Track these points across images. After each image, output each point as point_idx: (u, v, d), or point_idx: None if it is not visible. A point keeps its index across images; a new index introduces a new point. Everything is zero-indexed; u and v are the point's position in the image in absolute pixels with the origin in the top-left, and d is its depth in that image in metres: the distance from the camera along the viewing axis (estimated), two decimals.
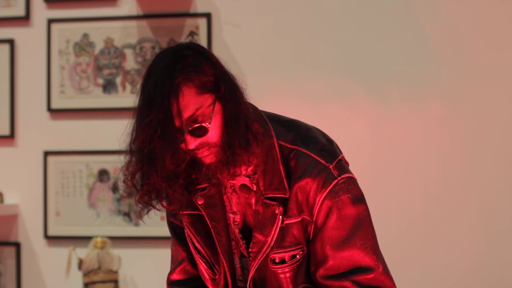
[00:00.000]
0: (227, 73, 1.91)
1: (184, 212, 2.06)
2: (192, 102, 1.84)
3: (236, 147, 1.86)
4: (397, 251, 3.51)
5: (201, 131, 1.86)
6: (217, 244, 2.03)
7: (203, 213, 2.02)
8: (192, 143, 1.86)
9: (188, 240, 2.09)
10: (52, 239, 3.79)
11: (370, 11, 3.62)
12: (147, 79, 1.87)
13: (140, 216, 1.94)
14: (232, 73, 1.92)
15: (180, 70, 1.83)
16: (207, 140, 1.87)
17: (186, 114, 1.84)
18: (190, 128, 1.85)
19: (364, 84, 3.61)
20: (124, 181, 1.90)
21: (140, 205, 1.92)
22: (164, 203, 1.93)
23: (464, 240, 3.55)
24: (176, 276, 2.21)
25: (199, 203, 2.01)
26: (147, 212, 1.93)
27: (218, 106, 1.87)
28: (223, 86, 1.87)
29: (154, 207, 1.93)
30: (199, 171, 1.94)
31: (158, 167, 1.84)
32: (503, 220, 3.53)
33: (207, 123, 1.85)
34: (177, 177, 1.89)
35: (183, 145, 1.87)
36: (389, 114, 3.60)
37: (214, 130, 1.86)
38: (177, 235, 2.17)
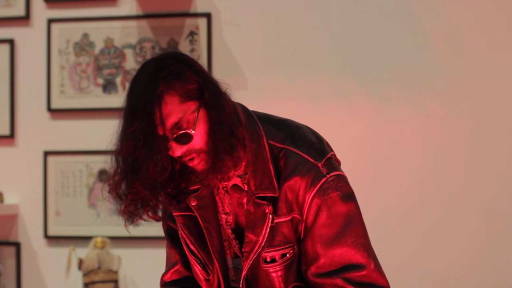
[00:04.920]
0: (210, 79, 1.92)
1: (178, 213, 2.07)
2: (176, 110, 1.85)
3: (221, 153, 1.88)
4: (397, 251, 3.51)
5: (186, 138, 1.87)
6: (209, 245, 2.04)
7: (196, 214, 2.03)
8: (178, 150, 1.87)
9: (182, 241, 2.10)
10: (52, 239, 3.79)
11: (370, 11, 3.62)
12: (131, 89, 1.89)
13: (125, 226, 1.95)
14: (215, 79, 1.93)
15: (163, 79, 1.85)
16: (193, 146, 1.88)
17: (170, 122, 1.86)
18: (174, 136, 1.87)
19: (364, 84, 3.61)
20: (109, 192, 1.91)
21: (125, 215, 1.93)
22: (150, 213, 1.94)
23: (464, 240, 3.55)
24: (169, 277, 2.22)
25: (192, 204, 2.02)
26: (132, 223, 1.95)
27: (202, 113, 1.88)
28: (207, 93, 1.88)
29: (139, 216, 1.94)
30: (188, 180, 1.96)
31: (141, 176, 1.85)
32: (503, 220, 3.53)
33: (191, 130, 1.87)
34: (161, 186, 1.90)
35: (170, 153, 1.88)
36: (389, 114, 3.60)
37: (199, 137, 1.88)
38: (171, 238, 2.18)
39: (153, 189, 1.88)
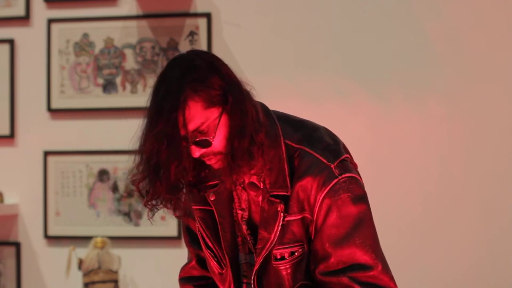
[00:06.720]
0: (236, 83, 1.94)
1: (197, 207, 2.11)
2: (198, 116, 1.89)
3: (238, 159, 1.92)
4: (397, 251, 3.51)
5: (205, 143, 1.91)
6: (221, 240, 2.08)
7: (213, 208, 2.07)
8: (197, 152, 1.92)
9: (198, 234, 2.14)
10: (52, 239, 3.79)
11: (370, 11, 3.63)
12: (157, 88, 1.92)
13: (148, 218, 2.00)
14: (241, 81, 1.96)
15: (189, 84, 1.88)
16: (212, 149, 1.92)
17: (192, 126, 1.89)
18: (195, 140, 1.90)
19: (364, 84, 3.61)
20: (132, 185, 1.97)
21: (148, 207, 1.98)
22: (170, 208, 1.98)
23: (464, 239, 3.55)
24: (185, 274, 2.29)
25: (211, 199, 2.06)
26: (153, 215, 2.00)
27: (224, 118, 1.91)
28: (230, 99, 1.90)
29: (163, 207, 2.00)
30: (208, 168, 2.00)
31: (162, 178, 1.90)
32: (503, 220, 3.53)
33: (211, 137, 1.90)
34: (182, 186, 1.95)
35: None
36: (389, 114, 3.60)
37: (219, 141, 1.92)
38: (190, 234, 2.22)
39: (173, 190, 1.93)
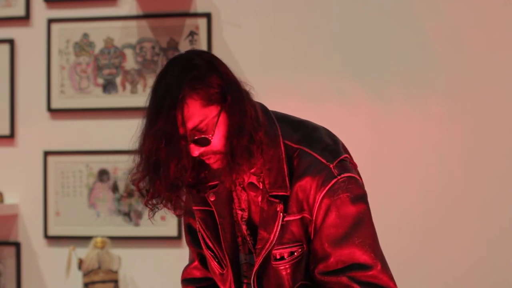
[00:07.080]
0: (234, 83, 1.95)
1: (197, 208, 2.12)
2: (197, 114, 1.89)
3: (238, 157, 1.92)
4: (397, 251, 3.51)
5: (204, 141, 1.92)
6: (222, 240, 2.09)
7: (213, 209, 2.08)
8: (196, 151, 1.92)
9: (199, 234, 2.15)
10: (52, 239, 3.79)
11: (370, 11, 3.63)
12: (157, 86, 1.93)
13: (149, 217, 2.00)
14: (240, 80, 1.97)
15: (187, 82, 1.89)
16: (211, 148, 1.93)
17: (190, 124, 1.90)
18: (193, 138, 1.91)
19: (364, 84, 3.61)
20: (132, 184, 1.97)
21: (149, 207, 1.99)
22: (170, 207, 1.99)
23: (464, 239, 3.55)
24: (187, 275, 2.29)
25: (211, 199, 2.07)
26: (154, 215, 2.00)
27: (223, 117, 1.92)
28: (229, 98, 1.91)
29: (163, 207, 2.00)
30: (207, 169, 2.00)
31: (162, 176, 1.91)
32: (503, 220, 3.53)
33: (210, 135, 1.91)
34: (182, 184, 1.95)
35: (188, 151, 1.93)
36: (389, 114, 3.60)
37: (217, 140, 1.92)
38: (192, 234, 2.23)
39: (173, 188, 1.93)
